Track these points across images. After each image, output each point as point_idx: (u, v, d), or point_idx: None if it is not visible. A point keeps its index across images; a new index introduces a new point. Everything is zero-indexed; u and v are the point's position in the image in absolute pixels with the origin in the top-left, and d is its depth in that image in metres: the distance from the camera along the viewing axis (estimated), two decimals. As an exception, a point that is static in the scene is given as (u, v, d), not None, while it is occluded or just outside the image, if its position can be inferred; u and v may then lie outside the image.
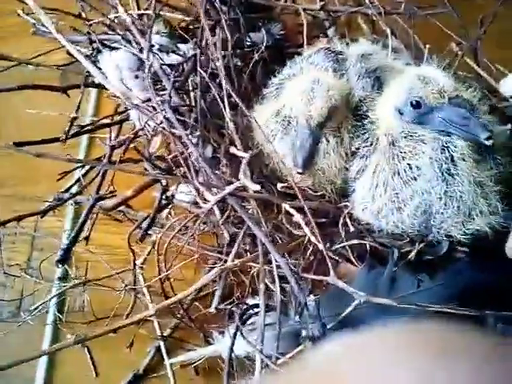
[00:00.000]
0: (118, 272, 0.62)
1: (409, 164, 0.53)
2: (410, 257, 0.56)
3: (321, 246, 0.48)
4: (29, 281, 0.72)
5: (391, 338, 0.22)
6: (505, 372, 0.19)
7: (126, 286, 0.58)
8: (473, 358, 0.19)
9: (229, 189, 0.46)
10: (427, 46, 0.82)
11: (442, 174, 0.52)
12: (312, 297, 0.44)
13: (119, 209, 0.71)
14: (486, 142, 0.48)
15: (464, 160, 0.53)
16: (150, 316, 0.45)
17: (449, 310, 0.47)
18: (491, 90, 0.82)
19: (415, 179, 0.53)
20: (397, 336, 0.22)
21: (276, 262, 0.47)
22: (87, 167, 0.75)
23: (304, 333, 0.43)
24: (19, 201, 0.81)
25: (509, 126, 0.77)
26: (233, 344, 0.44)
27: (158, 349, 0.63)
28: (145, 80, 0.59)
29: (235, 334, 0.45)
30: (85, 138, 0.93)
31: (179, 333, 0.64)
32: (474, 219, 0.53)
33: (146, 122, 0.53)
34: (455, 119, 0.51)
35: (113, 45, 0.76)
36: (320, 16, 0.86)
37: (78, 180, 0.74)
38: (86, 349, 0.65)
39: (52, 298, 0.64)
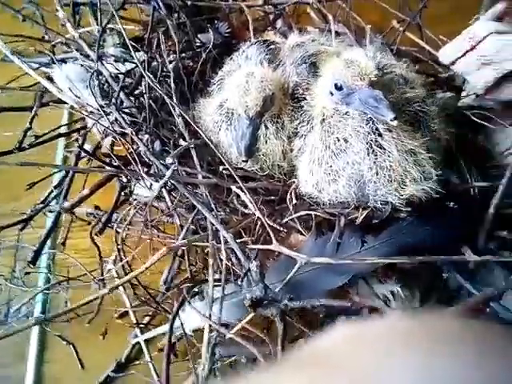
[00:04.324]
0: (91, 270, 0.67)
1: (337, 137, 0.56)
2: (356, 222, 0.60)
3: (263, 218, 0.52)
4: (15, 290, 0.76)
5: (393, 329, 0.21)
6: (504, 368, 0.18)
7: (95, 278, 0.62)
8: (472, 352, 0.19)
9: (168, 174, 0.50)
10: (369, 26, 0.87)
11: (371, 145, 0.56)
12: (255, 263, 0.47)
13: (90, 212, 0.76)
14: (392, 123, 0.52)
15: (390, 131, 0.56)
16: (95, 299, 0.48)
17: (384, 261, 0.51)
18: (434, 60, 0.86)
19: (345, 151, 0.56)
20: (397, 327, 0.21)
21: (223, 237, 0.51)
22: (59, 179, 0.79)
23: (248, 295, 0.46)
24: (1, 217, 0.86)
25: (448, 93, 0.82)
26: (175, 315, 0.48)
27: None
28: (95, 88, 0.63)
29: (180, 306, 0.48)
30: (60, 150, 0.99)
31: (158, 320, 0.68)
32: (407, 186, 0.57)
33: (93, 125, 0.58)
34: (369, 101, 0.54)
35: (75, 62, 0.81)
36: (267, 10, 0.91)
37: (51, 192, 0.79)
38: (71, 346, 0.69)
39: (34, 296, 0.68)
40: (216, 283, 0.51)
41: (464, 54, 0.79)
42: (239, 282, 0.50)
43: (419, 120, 0.60)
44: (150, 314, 0.65)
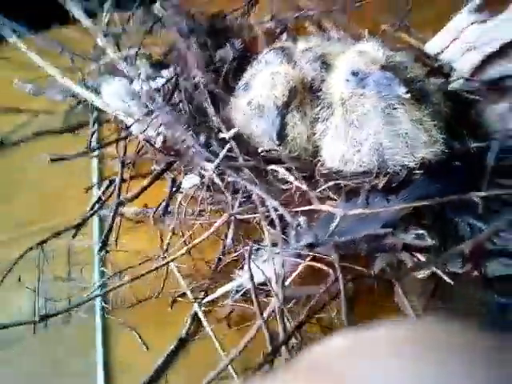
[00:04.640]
0: (143, 261, 0.75)
1: (358, 114, 0.68)
2: (378, 187, 0.70)
3: (303, 187, 0.62)
4: (71, 291, 0.83)
5: (393, 336, 0.22)
6: (494, 377, 0.18)
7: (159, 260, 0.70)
8: (462, 360, 0.19)
9: (222, 154, 0.60)
10: (366, 29, 1.00)
11: (387, 118, 0.67)
12: (302, 218, 0.56)
13: (140, 211, 0.85)
14: (405, 96, 0.63)
15: (402, 104, 0.67)
16: (154, 269, 0.57)
17: (407, 206, 0.60)
18: (424, 54, 0.98)
19: (366, 124, 0.67)
20: (398, 335, 0.22)
21: (271, 204, 0.60)
22: (105, 186, 0.88)
23: (302, 243, 0.55)
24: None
25: (439, 80, 0.93)
26: (247, 263, 0.56)
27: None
28: (140, 98, 0.74)
29: (249, 256, 0.57)
30: (95, 163, 1.07)
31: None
32: (419, 149, 0.68)
33: (146, 128, 0.68)
34: (382, 81, 0.65)
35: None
36: (272, 26, 1.04)
37: (100, 199, 0.88)
38: (134, 331, 0.76)
39: (96, 290, 0.76)
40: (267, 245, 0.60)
41: (449, 44, 0.92)
42: (291, 233, 0.59)
43: (422, 95, 0.71)
44: (205, 288, 0.73)
